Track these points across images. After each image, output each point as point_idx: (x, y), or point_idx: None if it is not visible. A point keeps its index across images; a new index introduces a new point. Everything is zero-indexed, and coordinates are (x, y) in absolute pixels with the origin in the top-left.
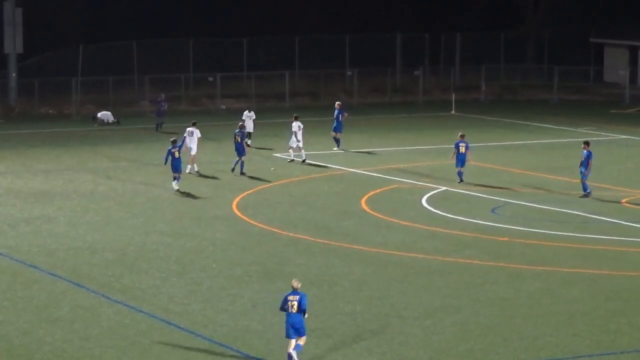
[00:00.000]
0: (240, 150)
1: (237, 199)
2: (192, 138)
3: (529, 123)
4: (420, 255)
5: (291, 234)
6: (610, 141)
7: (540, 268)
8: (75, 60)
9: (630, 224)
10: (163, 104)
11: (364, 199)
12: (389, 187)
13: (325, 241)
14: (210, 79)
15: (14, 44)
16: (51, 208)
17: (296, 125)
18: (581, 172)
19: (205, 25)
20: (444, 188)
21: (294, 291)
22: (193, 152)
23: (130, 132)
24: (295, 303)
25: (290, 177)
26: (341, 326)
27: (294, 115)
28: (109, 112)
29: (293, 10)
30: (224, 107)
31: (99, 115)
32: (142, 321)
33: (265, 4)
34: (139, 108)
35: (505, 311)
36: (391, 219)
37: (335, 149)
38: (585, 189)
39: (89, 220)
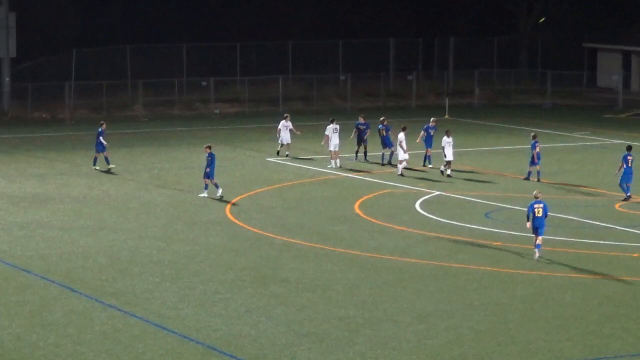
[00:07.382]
0: (386, 143)
1: (231, 204)
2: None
3: (522, 128)
4: (413, 260)
5: (285, 239)
6: (603, 146)
7: (534, 273)
8: (68, 65)
9: (624, 228)
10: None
11: (357, 204)
12: (382, 192)
13: (319, 246)
14: (204, 83)
15: (7, 48)
16: (44, 212)
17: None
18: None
19: (199, 29)
20: (438, 192)
21: (537, 200)
22: (336, 148)
23: (124, 137)
24: (541, 209)
25: (283, 182)
26: (334, 330)
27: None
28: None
29: (286, 15)
30: (217, 111)
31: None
32: (135, 326)
33: (258, 9)
34: (132, 112)
35: (499, 316)
36: (385, 224)
37: (429, 166)
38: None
39: (82, 225)
